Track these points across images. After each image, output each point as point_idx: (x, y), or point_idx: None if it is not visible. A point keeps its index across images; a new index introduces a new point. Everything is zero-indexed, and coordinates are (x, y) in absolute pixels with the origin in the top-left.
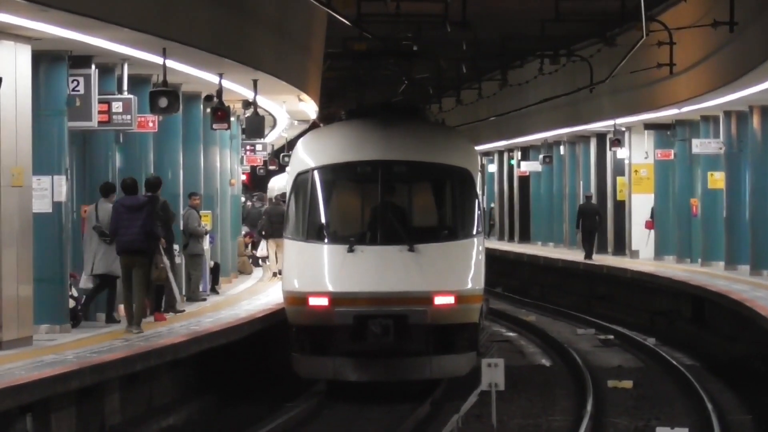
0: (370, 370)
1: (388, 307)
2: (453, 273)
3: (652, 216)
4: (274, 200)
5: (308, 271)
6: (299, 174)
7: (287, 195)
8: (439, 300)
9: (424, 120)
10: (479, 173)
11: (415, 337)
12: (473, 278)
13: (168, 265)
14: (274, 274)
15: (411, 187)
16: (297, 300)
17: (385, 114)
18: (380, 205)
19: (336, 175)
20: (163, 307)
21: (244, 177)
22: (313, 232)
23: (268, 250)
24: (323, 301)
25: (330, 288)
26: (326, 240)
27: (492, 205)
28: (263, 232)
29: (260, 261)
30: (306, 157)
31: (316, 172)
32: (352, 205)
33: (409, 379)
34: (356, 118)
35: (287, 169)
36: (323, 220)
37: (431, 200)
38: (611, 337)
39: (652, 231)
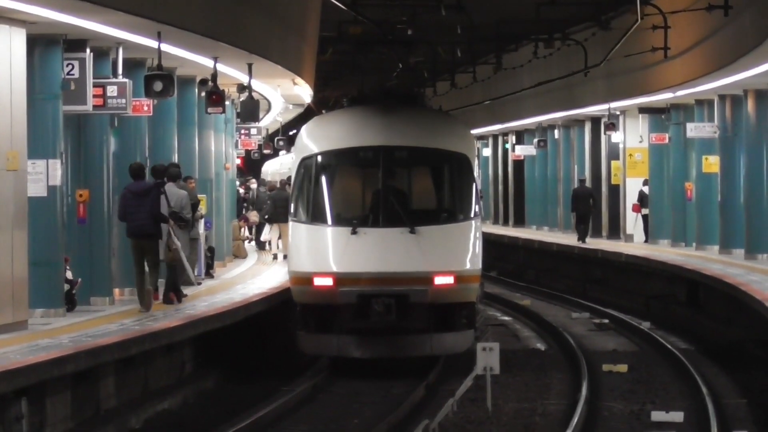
0: (373, 346)
1: (390, 286)
2: (452, 254)
3: (639, 199)
4: (279, 185)
5: (313, 252)
6: (304, 159)
7: (292, 179)
8: (439, 280)
9: (424, 107)
10: (476, 158)
11: (416, 315)
12: (471, 259)
13: (179, 246)
14: (275, 257)
15: (411, 172)
16: (302, 280)
17: (385, 101)
18: (382, 188)
19: (339, 159)
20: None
21: (238, 161)
22: (318, 215)
23: (271, 234)
24: (328, 281)
25: (334, 268)
26: (330, 222)
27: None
28: (267, 216)
29: (267, 245)
30: (310, 142)
31: (319, 157)
32: (355, 188)
33: (410, 356)
34: (358, 104)
35: (291, 154)
36: (327, 203)
37: (430, 184)
38: (606, 321)
39: (640, 214)
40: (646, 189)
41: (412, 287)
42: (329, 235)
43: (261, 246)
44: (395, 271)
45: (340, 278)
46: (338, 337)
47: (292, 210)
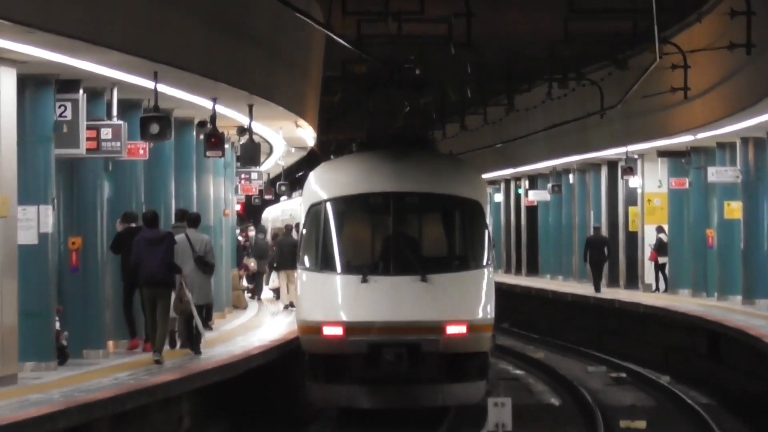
0: (383, 397)
1: (401, 335)
2: (465, 303)
3: (657, 247)
4: (285, 230)
5: (322, 301)
6: (312, 205)
7: (300, 226)
8: (451, 329)
9: (434, 151)
10: (488, 204)
11: (427, 364)
12: (484, 308)
13: (191, 298)
14: (286, 306)
15: (422, 218)
16: (311, 329)
17: (395, 146)
18: (392, 235)
19: (348, 206)
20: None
21: (238, 207)
22: (327, 263)
23: (279, 281)
24: (338, 330)
25: (344, 317)
26: (340, 270)
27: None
28: (275, 264)
29: (273, 293)
30: (318, 189)
31: (328, 204)
32: (365, 235)
33: (421, 406)
34: (367, 149)
35: (292, 200)
36: (336, 250)
37: (442, 231)
38: (623, 374)
39: (656, 262)
40: (663, 237)
41: (423, 336)
42: (339, 283)
43: (256, 294)
44: (406, 320)
45: (350, 327)
46: (348, 387)
47: (300, 257)
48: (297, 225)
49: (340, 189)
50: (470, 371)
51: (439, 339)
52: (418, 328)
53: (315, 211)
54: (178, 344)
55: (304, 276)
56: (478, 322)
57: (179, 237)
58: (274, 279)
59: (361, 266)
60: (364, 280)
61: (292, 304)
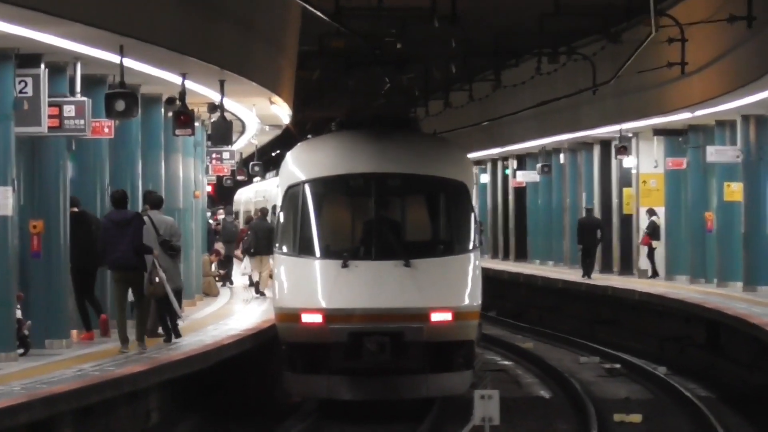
0: (366, 388)
1: (383, 323)
2: (450, 289)
3: (650, 229)
4: (259, 214)
5: (301, 287)
6: (290, 187)
7: (277, 209)
8: (435, 316)
9: (418, 131)
10: (474, 186)
11: (411, 354)
12: (470, 294)
13: (164, 278)
14: (259, 293)
15: (405, 201)
16: (289, 316)
17: (377, 125)
18: (374, 219)
19: (328, 188)
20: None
21: (209, 188)
22: (305, 247)
23: (252, 267)
24: (317, 318)
25: (324, 304)
26: (319, 255)
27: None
28: (251, 249)
29: (250, 279)
30: (296, 169)
31: (307, 186)
32: (345, 219)
33: (405, 398)
34: (347, 129)
35: (275, 182)
36: (315, 234)
37: (426, 214)
38: (617, 365)
39: (649, 247)
40: (656, 219)
41: (407, 324)
42: (318, 268)
43: (227, 280)
44: (389, 307)
45: (329, 315)
46: (328, 378)
47: (277, 242)
48: (274, 207)
49: (319, 170)
50: (456, 361)
51: (423, 327)
52: (401, 316)
53: (293, 193)
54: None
55: (281, 261)
56: (464, 309)
57: None
58: (247, 265)
59: (341, 251)
60: (345, 266)
61: (263, 292)
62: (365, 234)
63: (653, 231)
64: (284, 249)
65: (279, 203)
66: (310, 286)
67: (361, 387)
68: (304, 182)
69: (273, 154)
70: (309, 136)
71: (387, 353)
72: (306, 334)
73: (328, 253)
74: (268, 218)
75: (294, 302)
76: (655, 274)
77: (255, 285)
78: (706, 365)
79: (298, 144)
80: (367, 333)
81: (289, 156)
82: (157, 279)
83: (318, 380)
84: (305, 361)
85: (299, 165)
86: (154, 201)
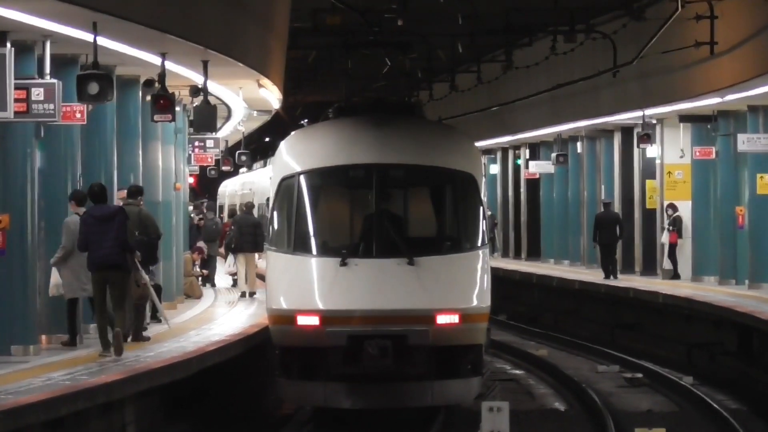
0: (366, 395)
1: (385, 326)
2: (457, 289)
3: (673, 225)
4: (244, 208)
5: (296, 287)
6: (284, 179)
7: (270, 202)
8: (441, 319)
9: (422, 118)
10: (483, 177)
11: (415, 359)
12: (479, 295)
13: (148, 280)
14: (243, 294)
15: (409, 194)
16: (283, 319)
17: (378, 112)
18: (375, 213)
19: (325, 180)
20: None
21: (191, 180)
22: (301, 244)
23: (237, 266)
24: (313, 320)
25: (321, 305)
26: (316, 252)
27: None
28: (233, 246)
29: (233, 279)
30: (291, 160)
31: (302, 177)
32: (344, 213)
33: (408, 406)
34: (346, 116)
35: (263, 173)
36: (312, 229)
37: (431, 208)
38: (639, 375)
39: (672, 245)
40: (679, 214)
41: (410, 327)
42: (315, 266)
43: (210, 281)
44: (391, 308)
45: (327, 317)
46: (325, 385)
47: (270, 237)
48: (267, 200)
49: (315, 160)
50: (463, 367)
51: (428, 330)
52: (404, 318)
53: (287, 185)
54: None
55: (274, 259)
56: (472, 311)
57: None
58: (231, 263)
59: (339, 248)
60: (344, 264)
61: (252, 294)
62: (365, 230)
63: (675, 226)
64: (278, 246)
65: (272, 196)
66: (305, 286)
67: (360, 394)
68: (299, 173)
69: (267, 140)
70: (305, 122)
71: (389, 358)
72: (302, 338)
73: (325, 251)
74: (254, 213)
75: (289, 303)
76: (676, 275)
77: (235, 282)
78: (737, 374)
79: (293, 132)
80: (367, 336)
81: (283, 145)
82: (142, 281)
83: (314, 387)
84: (301, 367)
85: (294, 155)
86: (95, 195)
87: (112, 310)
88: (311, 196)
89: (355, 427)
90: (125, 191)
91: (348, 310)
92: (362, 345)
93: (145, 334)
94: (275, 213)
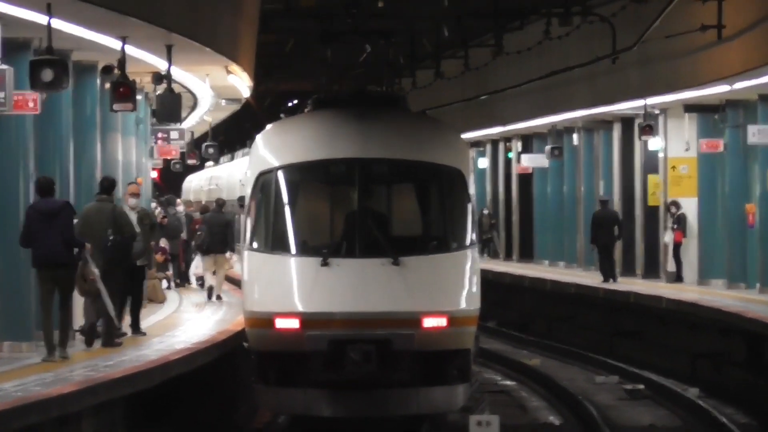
0: (348, 403)
1: (369, 330)
2: (444, 291)
3: (677, 224)
4: (215, 206)
5: (274, 288)
6: (261, 174)
7: (246, 198)
8: (428, 322)
9: (407, 110)
10: (471, 172)
11: (400, 365)
12: (467, 297)
13: (98, 275)
14: (210, 297)
15: (393, 190)
16: (261, 322)
17: (360, 104)
18: (358, 210)
19: (305, 175)
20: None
21: (154, 174)
22: (279, 243)
23: (204, 267)
24: (293, 323)
25: (300, 307)
26: (295, 251)
27: (485, 210)
28: (203, 246)
29: (196, 281)
30: (268, 154)
31: (281, 172)
32: (325, 210)
33: (393, 414)
34: (326, 108)
35: (246, 169)
36: (291, 228)
37: (417, 205)
38: (640, 386)
39: (681, 245)
40: (684, 212)
41: (395, 331)
42: (294, 267)
43: (183, 280)
44: (375, 311)
45: (307, 320)
46: (305, 392)
47: (246, 236)
48: (241, 199)
49: (295, 155)
50: (450, 373)
51: (414, 334)
52: (389, 321)
53: (265, 181)
54: (101, 341)
55: (251, 258)
56: (461, 314)
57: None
58: (199, 264)
59: (320, 247)
60: (325, 264)
61: (219, 296)
62: (348, 228)
63: (679, 224)
64: (255, 245)
65: (248, 192)
66: (284, 288)
67: (343, 402)
68: (277, 169)
69: (253, 126)
70: (282, 115)
71: (373, 363)
72: (280, 342)
73: (305, 250)
74: (228, 211)
75: (266, 305)
76: (679, 278)
77: (208, 289)
78: (746, 386)
79: (271, 125)
80: (350, 341)
81: (260, 139)
82: (90, 276)
83: (294, 394)
84: (279, 373)
85: (272, 149)
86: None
87: (59, 309)
88: (290, 193)
89: None
90: (135, 185)
91: (329, 312)
92: (344, 350)
93: (118, 341)
94: (252, 210)
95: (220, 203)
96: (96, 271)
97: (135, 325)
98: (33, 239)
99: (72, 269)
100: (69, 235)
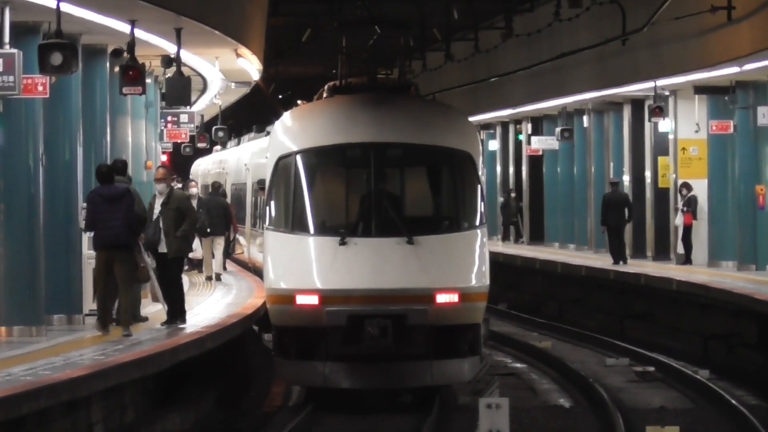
0: (366, 375)
1: (385, 305)
2: (456, 268)
3: (687, 206)
4: (211, 188)
5: (295, 267)
6: (281, 158)
7: (266, 181)
8: (441, 298)
9: (419, 97)
10: (480, 155)
11: (414, 339)
12: (478, 274)
13: (149, 263)
14: (209, 278)
15: (406, 173)
16: (282, 299)
17: (374, 90)
18: (373, 192)
19: (323, 159)
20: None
21: (164, 157)
22: (299, 223)
23: (203, 250)
24: (313, 300)
25: (320, 285)
26: (314, 231)
27: (512, 193)
28: (203, 229)
29: (190, 262)
30: (287, 139)
31: (300, 156)
32: (342, 192)
33: (408, 386)
34: (342, 94)
35: (267, 153)
36: (310, 209)
37: (429, 187)
38: (651, 369)
39: (687, 227)
40: (694, 193)
41: (410, 306)
42: (313, 246)
43: (193, 266)
44: (391, 287)
45: (326, 296)
46: (325, 365)
47: (268, 216)
48: (261, 182)
49: (313, 139)
50: (462, 346)
51: (428, 309)
52: (404, 297)
53: (284, 165)
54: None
55: (272, 238)
56: (472, 290)
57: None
58: (197, 247)
59: (338, 227)
60: (343, 243)
61: (219, 277)
62: (364, 209)
63: (690, 206)
64: (276, 225)
65: (268, 175)
66: (304, 266)
67: (360, 374)
68: (296, 153)
69: (273, 110)
70: (299, 102)
71: (389, 338)
72: (301, 318)
73: (324, 230)
74: (225, 194)
75: (287, 283)
76: (688, 260)
77: (209, 278)
78: (757, 368)
79: (289, 111)
80: (367, 316)
81: (279, 124)
82: (142, 263)
83: (313, 367)
84: (299, 347)
85: (291, 134)
86: (101, 174)
87: (119, 293)
88: (308, 175)
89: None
90: (162, 169)
91: (348, 289)
92: (362, 324)
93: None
94: (272, 192)
95: (216, 186)
96: (148, 259)
97: (174, 315)
98: (96, 222)
99: (129, 252)
100: (132, 219)
